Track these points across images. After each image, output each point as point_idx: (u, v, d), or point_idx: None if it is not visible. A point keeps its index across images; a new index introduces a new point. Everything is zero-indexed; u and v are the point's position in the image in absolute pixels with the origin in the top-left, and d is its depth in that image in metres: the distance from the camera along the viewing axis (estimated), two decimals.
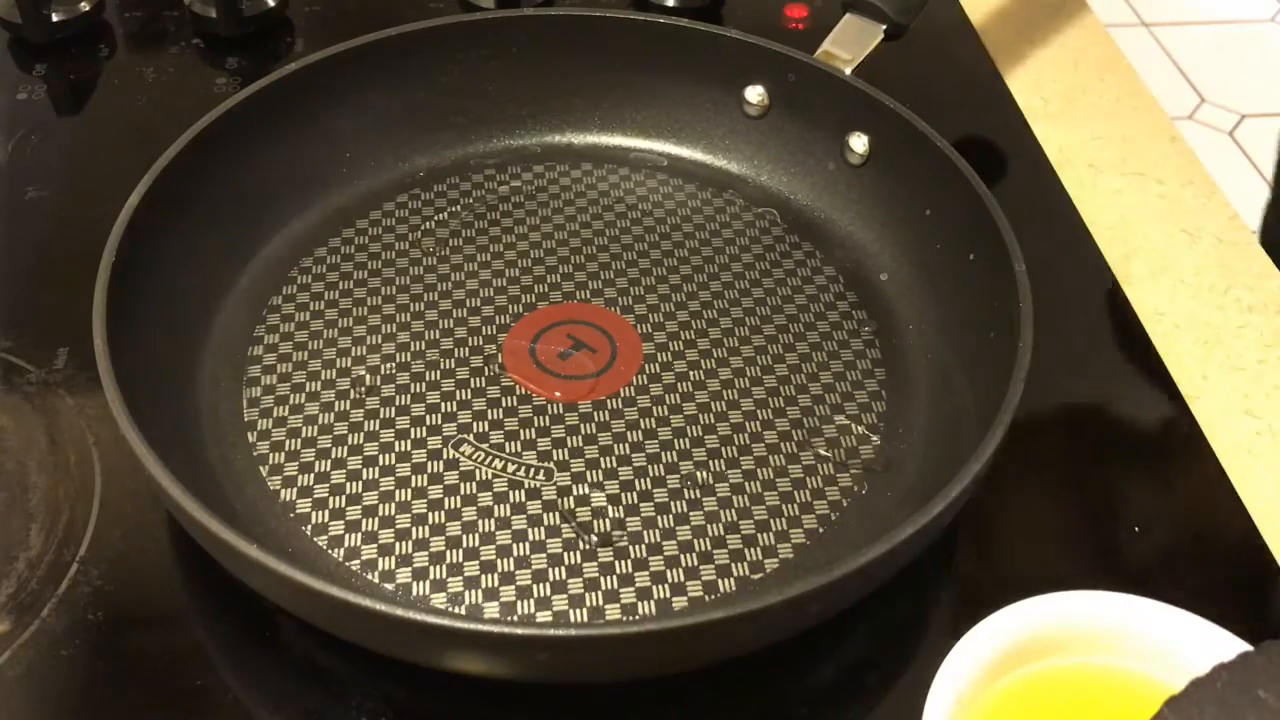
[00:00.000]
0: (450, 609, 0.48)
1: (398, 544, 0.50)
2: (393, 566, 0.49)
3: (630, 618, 0.48)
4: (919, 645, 0.49)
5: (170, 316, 0.55)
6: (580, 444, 0.54)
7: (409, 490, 0.52)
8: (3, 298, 0.62)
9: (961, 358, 0.55)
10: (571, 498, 0.52)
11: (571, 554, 0.50)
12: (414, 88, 0.65)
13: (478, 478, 0.52)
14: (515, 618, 0.48)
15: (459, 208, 0.65)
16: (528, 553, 0.50)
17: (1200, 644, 0.40)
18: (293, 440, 0.54)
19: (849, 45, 0.65)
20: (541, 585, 0.49)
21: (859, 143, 0.63)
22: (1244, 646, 0.39)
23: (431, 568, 0.49)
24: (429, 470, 0.53)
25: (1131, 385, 0.60)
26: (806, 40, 0.66)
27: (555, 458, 0.53)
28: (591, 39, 0.66)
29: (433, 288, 0.61)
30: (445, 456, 0.53)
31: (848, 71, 0.63)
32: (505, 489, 0.52)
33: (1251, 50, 2.13)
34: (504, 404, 0.55)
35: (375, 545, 0.50)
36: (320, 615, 0.44)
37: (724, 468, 0.53)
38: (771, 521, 0.51)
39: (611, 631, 0.42)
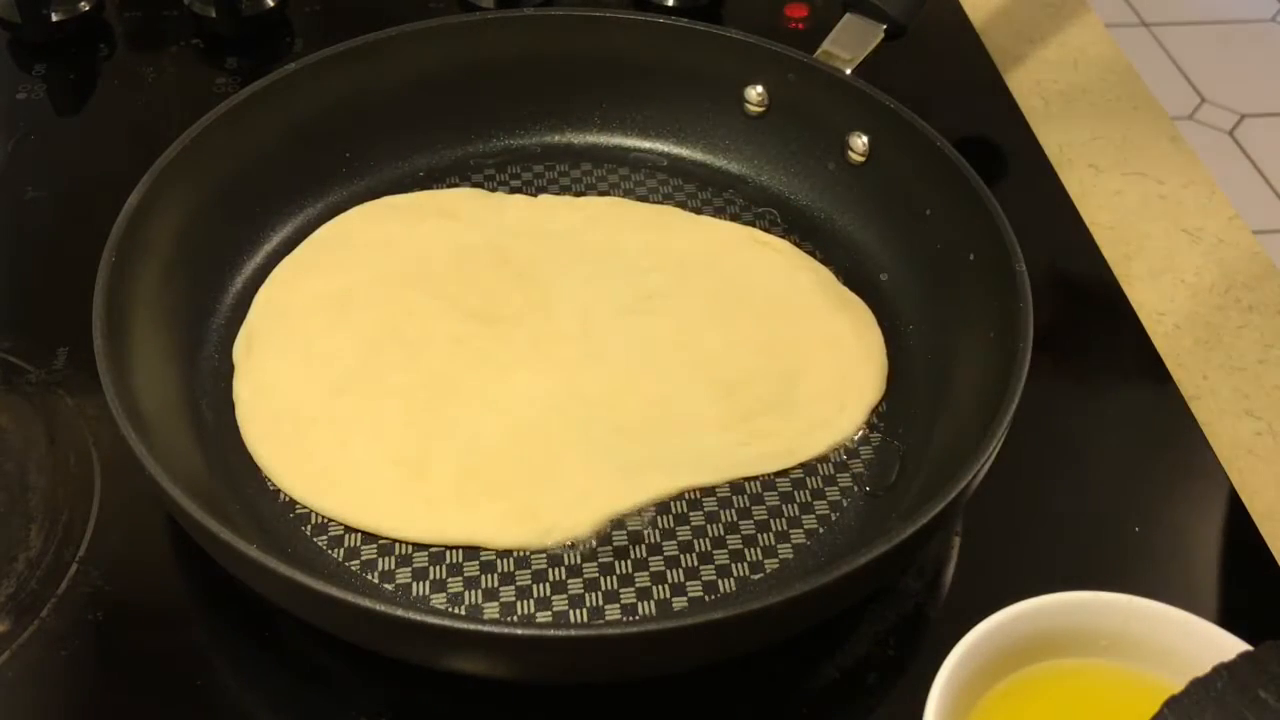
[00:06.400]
0: (450, 609, 0.48)
1: (397, 544, 0.50)
2: (393, 566, 0.49)
3: (630, 618, 0.48)
4: (919, 645, 0.49)
5: (170, 316, 0.55)
6: None
7: None
8: (3, 298, 0.62)
9: (961, 358, 0.55)
10: None
11: (571, 554, 0.50)
12: (414, 88, 0.65)
13: None
14: (515, 618, 0.48)
15: None
16: (528, 553, 0.50)
17: (1200, 644, 0.40)
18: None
19: (849, 45, 0.65)
20: (541, 585, 0.49)
21: (859, 143, 0.63)
22: (1244, 646, 0.39)
23: (431, 568, 0.49)
24: None
25: (1131, 385, 0.60)
26: (806, 40, 0.66)
27: None
28: (591, 39, 0.66)
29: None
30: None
31: (848, 71, 0.63)
32: None
33: (1251, 50, 2.13)
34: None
35: (375, 545, 0.50)
36: (320, 615, 0.44)
37: None
38: (771, 522, 0.51)
39: (611, 631, 0.42)
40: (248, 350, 0.56)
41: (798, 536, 0.51)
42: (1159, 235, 0.68)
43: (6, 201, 0.66)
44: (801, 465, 0.53)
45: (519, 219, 0.63)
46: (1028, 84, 0.77)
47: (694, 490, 0.52)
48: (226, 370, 0.56)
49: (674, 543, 0.50)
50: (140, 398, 0.49)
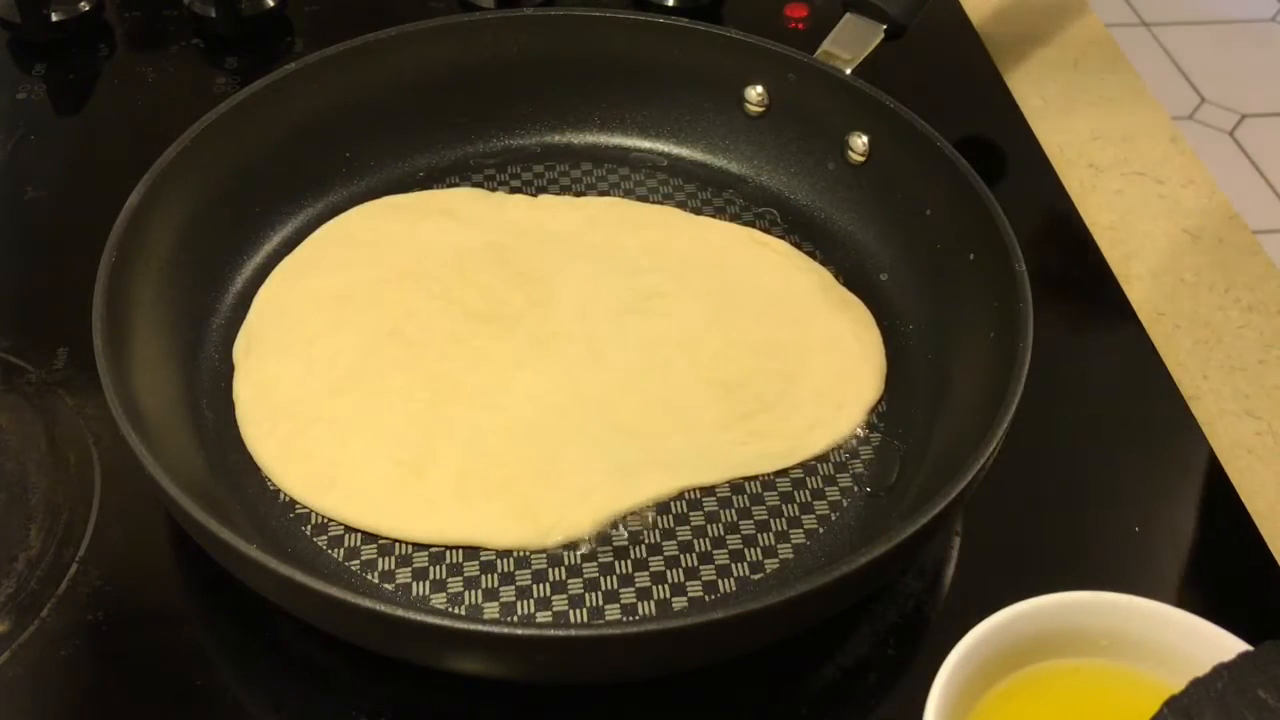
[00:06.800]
0: (450, 609, 0.48)
1: (397, 544, 0.50)
2: (393, 566, 0.49)
3: (630, 618, 0.48)
4: (919, 645, 0.49)
5: (170, 316, 0.55)
6: None
7: None
8: (3, 298, 0.62)
9: (961, 358, 0.55)
10: None
11: (571, 554, 0.50)
12: (414, 88, 0.65)
13: None
14: (515, 618, 0.48)
15: None
16: (528, 553, 0.50)
17: (1200, 644, 0.40)
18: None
19: (849, 45, 0.65)
20: (541, 585, 0.49)
21: (859, 142, 0.63)
22: (1244, 646, 0.39)
23: (431, 568, 0.49)
24: None
25: (1132, 385, 0.59)
26: (806, 40, 0.66)
27: None
28: (591, 39, 0.67)
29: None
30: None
31: (848, 71, 0.63)
32: None
33: (1251, 50, 2.13)
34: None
35: (375, 545, 0.50)
36: (320, 616, 0.44)
37: None
38: (771, 522, 0.51)
39: (611, 631, 0.42)
40: (248, 350, 0.56)
41: (798, 536, 0.51)
42: (1159, 235, 0.68)
43: (6, 201, 0.66)
44: (801, 465, 0.53)
45: (519, 219, 0.63)
46: (1028, 84, 0.77)
47: (694, 490, 0.52)
48: (226, 370, 0.56)
49: (674, 543, 0.50)
50: (140, 398, 0.49)
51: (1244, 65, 2.09)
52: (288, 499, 0.52)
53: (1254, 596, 0.51)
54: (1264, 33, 2.18)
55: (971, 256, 0.56)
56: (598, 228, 0.63)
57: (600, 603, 0.48)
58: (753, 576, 0.49)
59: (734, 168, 0.67)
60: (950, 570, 0.52)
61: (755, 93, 0.66)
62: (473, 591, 0.49)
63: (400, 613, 0.40)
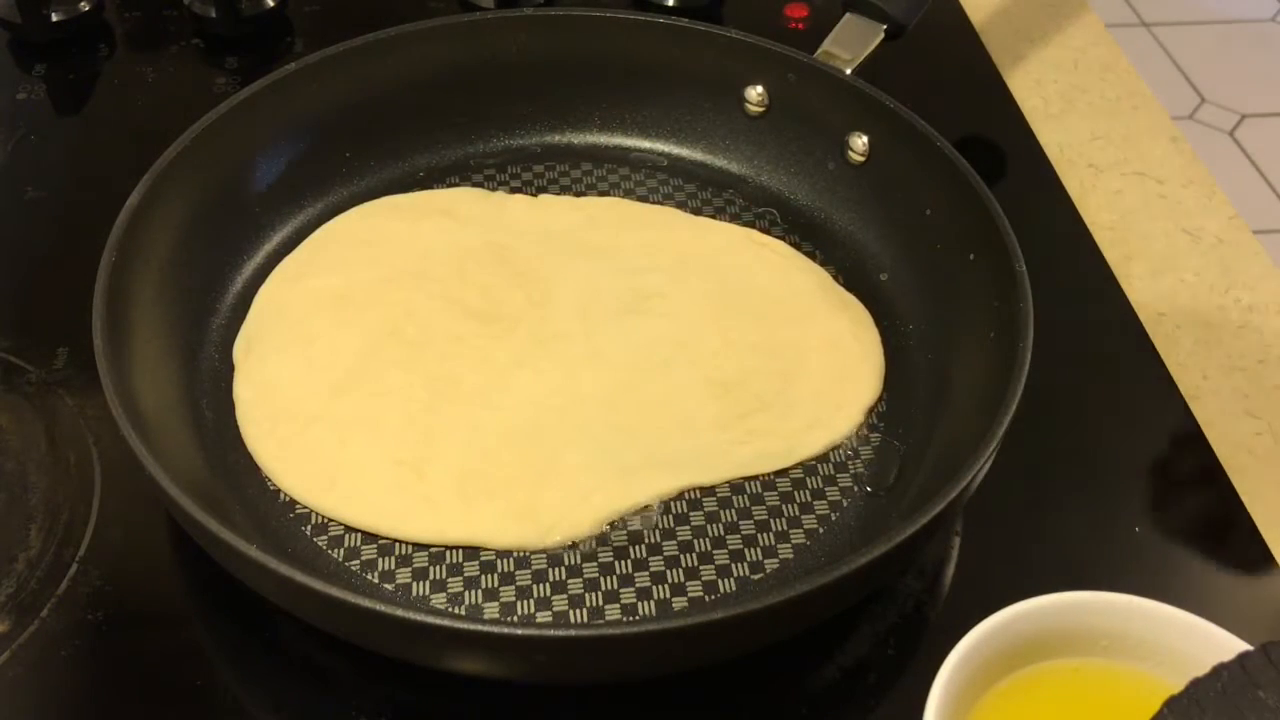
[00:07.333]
0: (450, 609, 0.48)
1: (397, 544, 0.50)
2: (393, 566, 0.49)
3: (630, 618, 0.48)
4: (919, 645, 0.49)
5: (170, 316, 0.55)
6: None
7: None
8: (3, 298, 0.62)
9: (961, 358, 0.55)
10: None
11: (571, 554, 0.50)
12: (414, 88, 0.65)
13: None
14: (515, 618, 0.48)
15: None
16: (528, 553, 0.50)
17: (1200, 644, 0.40)
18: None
19: (849, 45, 0.65)
20: (541, 585, 0.49)
21: (859, 142, 0.63)
22: (1244, 646, 0.39)
23: (431, 568, 0.49)
24: None
25: (1132, 386, 0.60)
26: (806, 40, 0.66)
27: None
28: (591, 39, 0.67)
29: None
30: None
31: (848, 71, 0.63)
32: None
33: (1251, 50, 2.13)
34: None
35: (375, 545, 0.50)
36: (320, 616, 0.44)
37: None
38: (771, 522, 0.51)
39: (611, 631, 0.42)
40: (248, 350, 0.56)
41: (798, 536, 0.51)
42: (1159, 235, 0.68)
43: (6, 201, 0.66)
44: (801, 465, 0.53)
45: (519, 219, 0.63)
46: (1028, 84, 0.77)
47: (694, 490, 0.52)
48: (226, 370, 0.56)
49: (674, 543, 0.50)
50: (140, 398, 0.49)
51: (1244, 65, 2.09)
52: (288, 499, 0.52)
53: (1254, 597, 0.51)
54: (1264, 33, 2.18)
55: (971, 256, 0.56)
56: (598, 228, 0.63)
57: (600, 603, 0.48)
58: (753, 576, 0.49)
59: (734, 168, 0.67)
60: (950, 570, 0.52)
61: (755, 93, 0.66)
62: (473, 591, 0.49)
63: (400, 613, 0.40)
